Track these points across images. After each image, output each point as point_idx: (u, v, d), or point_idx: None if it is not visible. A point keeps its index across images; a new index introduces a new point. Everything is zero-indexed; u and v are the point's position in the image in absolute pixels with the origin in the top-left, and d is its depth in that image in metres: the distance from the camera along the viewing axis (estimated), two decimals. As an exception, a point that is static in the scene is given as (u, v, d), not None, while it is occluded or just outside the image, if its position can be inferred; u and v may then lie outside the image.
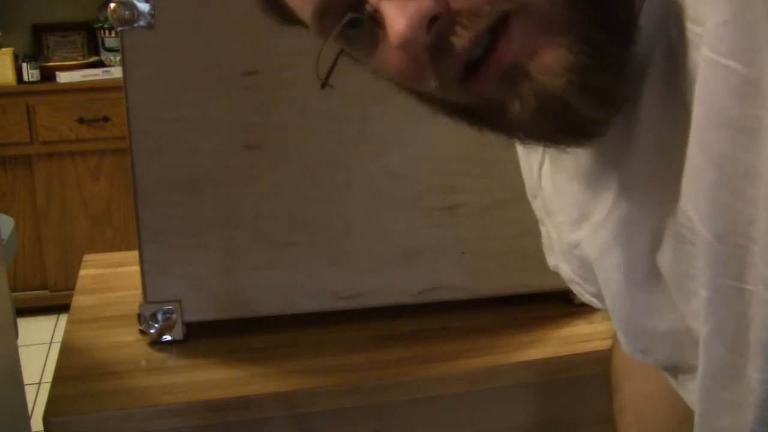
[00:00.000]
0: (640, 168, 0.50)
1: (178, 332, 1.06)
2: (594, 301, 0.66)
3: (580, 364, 1.04)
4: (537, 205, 0.71)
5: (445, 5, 0.44)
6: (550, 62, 0.44)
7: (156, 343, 1.06)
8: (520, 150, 0.69)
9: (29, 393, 1.99)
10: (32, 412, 2.08)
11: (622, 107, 0.46)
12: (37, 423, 1.00)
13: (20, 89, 2.81)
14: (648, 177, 0.50)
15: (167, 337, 1.06)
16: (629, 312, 0.57)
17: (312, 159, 1.05)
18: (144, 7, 0.95)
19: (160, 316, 1.05)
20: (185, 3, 0.97)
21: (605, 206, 0.54)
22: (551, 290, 1.18)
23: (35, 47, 3.08)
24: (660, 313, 0.54)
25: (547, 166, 0.65)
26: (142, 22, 0.95)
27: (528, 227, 1.14)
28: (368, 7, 0.47)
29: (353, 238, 1.08)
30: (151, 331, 1.05)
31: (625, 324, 0.59)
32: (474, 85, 0.47)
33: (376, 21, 0.47)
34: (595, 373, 1.07)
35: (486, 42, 0.44)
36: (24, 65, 2.85)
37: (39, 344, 2.76)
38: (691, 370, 0.55)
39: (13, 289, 2.81)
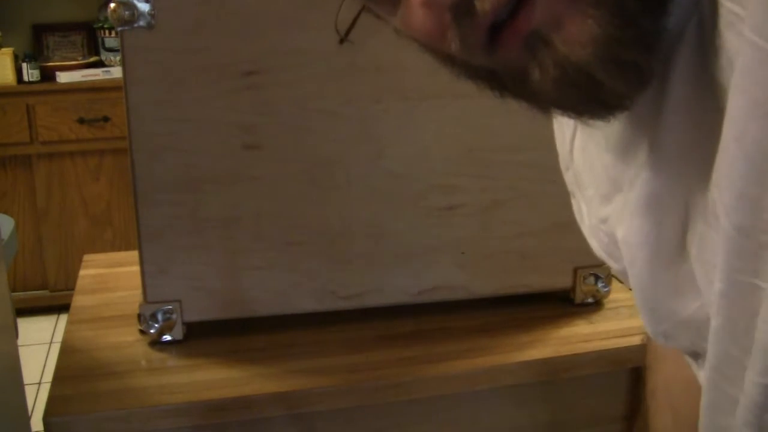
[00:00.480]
0: (669, 145, 0.49)
1: (178, 332, 1.06)
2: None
3: (580, 364, 1.04)
4: (569, 178, 0.69)
5: None
6: (575, 33, 0.42)
7: (156, 343, 1.06)
8: (556, 119, 0.68)
9: (29, 393, 1.99)
10: (32, 412, 2.08)
11: (650, 83, 0.45)
12: (37, 423, 1.00)
13: (20, 89, 2.81)
14: (678, 155, 0.49)
15: (167, 337, 1.06)
16: (653, 293, 0.55)
17: (312, 159, 1.05)
18: (144, 7, 0.95)
19: (160, 316, 1.05)
20: (185, 3, 0.97)
21: (635, 181, 0.53)
22: (551, 290, 1.18)
23: (35, 47, 3.08)
24: (685, 298, 0.53)
25: (579, 138, 0.63)
26: (142, 22, 0.95)
27: (528, 227, 1.15)
28: None
29: (353, 238, 1.08)
30: (151, 331, 1.05)
31: (648, 306, 0.57)
32: (496, 51, 0.45)
33: None
34: (595, 373, 1.07)
35: (511, 7, 0.43)
36: (24, 65, 2.85)
37: (39, 344, 2.76)
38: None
39: (13, 289, 2.81)
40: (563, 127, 0.67)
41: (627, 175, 0.54)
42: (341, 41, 0.53)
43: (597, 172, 0.60)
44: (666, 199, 0.51)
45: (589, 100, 0.45)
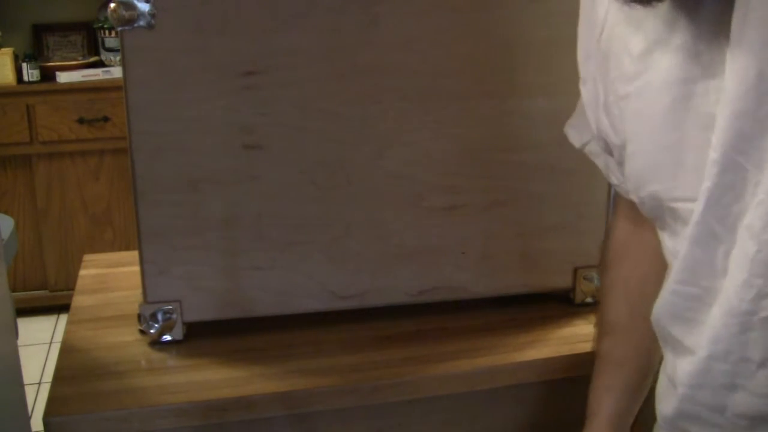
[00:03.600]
0: (706, 28, 0.62)
1: (178, 332, 1.06)
2: (613, 169, 0.81)
3: (580, 364, 1.04)
4: (588, 66, 0.80)
5: None
6: None
7: (156, 343, 1.06)
8: (584, 13, 0.80)
9: (29, 393, 1.99)
10: (32, 412, 2.08)
11: None
12: (37, 423, 1.00)
13: (20, 89, 2.81)
14: (712, 36, 0.62)
15: (167, 337, 1.06)
16: (652, 159, 0.70)
17: (312, 159, 1.05)
18: (144, 7, 0.95)
19: (160, 316, 1.05)
20: (185, 3, 0.97)
21: (662, 60, 0.67)
22: (551, 290, 1.18)
23: (35, 47, 3.07)
24: (677, 149, 0.68)
25: (608, 28, 0.74)
26: (142, 22, 0.95)
27: (528, 227, 1.15)
28: None
29: (353, 238, 1.08)
30: (151, 331, 1.05)
31: (642, 170, 0.72)
32: None
33: None
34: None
35: None
36: (24, 65, 2.85)
37: (39, 344, 2.76)
38: (678, 218, 0.69)
39: (13, 289, 2.81)
40: (591, 21, 0.78)
41: (656, 57, 0.68)
42: None
43: (624, 56, 0.72)
44: (693, 76, 0.64)
45: None
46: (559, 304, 1.18)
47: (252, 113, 1.01)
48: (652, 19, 0.68)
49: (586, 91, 0.81)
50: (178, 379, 0.99)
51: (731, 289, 0.63)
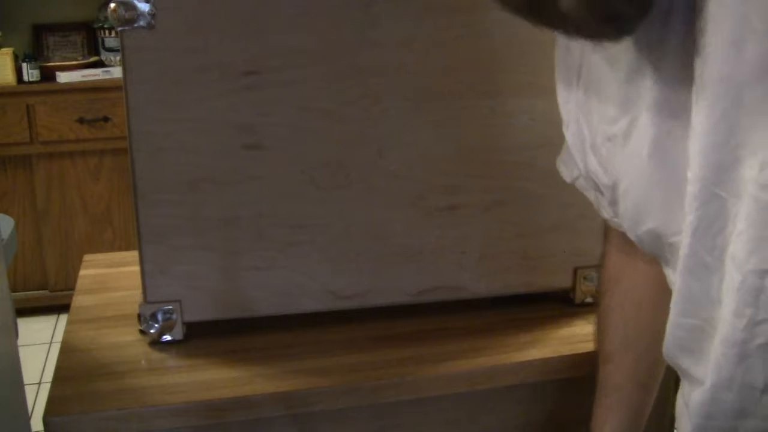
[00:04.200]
0: (671, 69, 0.65)
1: (178, 332, 1.06)
2: (604, 205, 0.81)
3: (580, 364, 1.04)
4: (569, 108, 0.81)
5: None
6: None
7: (156, 343, 1.06)
8: (560, 57, 0.80)
9: (29, 393, 1.99)
10: (32, 412, 2.08)
11: (651, 10, 0.58)
12: (37, 423, 1.00)
13: (20, 89, 2.81)
14: (678, 78, 0.64)
15: (167, 337, 1.06)
16: (643, 199, 0.72)
17: (312, 159, 1.05)
18: (144, 7, 0.95)
19: (160, 316, 1.05)
20: (185, 3, 0.97)
21: (640, 102, 0.68)
22: (551, 290, 1.18)
23: (35, 47, 3.08)
24: (668, 185, 0.69)
25: (586, 70, 0.76)
26: (142, 22, 0.95)
27: (528, 227, 1.15)
28: None
29: (353, 238, 1.08)
30: (151, 331, 1.05)
31: (634, 210, 0.73)
32: None
33: None
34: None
35: None
36: (24, 65, 2.85)
37: (39, 344, 2.76)
38: (677, 252, 0.70)
39: (13, 289, 2.81)
40: (568, 65, 0.79)
41: (633, 96, 0.69)
42: None
43: (603, 97, 0.73)
44: (670, 113, 0.66)
45: (604, 20, 0.58)
46: (559, 304, 1.18)
47: (252, 113, 1.01)
48: (624, 56, 0.69)
49: (570, 134, 0.82)
50: (178, 379, 0.99)
51: (726, 318, 0.64)
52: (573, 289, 1.17)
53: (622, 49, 0.68)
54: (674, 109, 0.66)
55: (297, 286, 1.08)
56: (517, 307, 1.17)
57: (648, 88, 0.68)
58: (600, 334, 0.93)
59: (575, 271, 1.16)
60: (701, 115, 0.61)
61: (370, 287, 1.10)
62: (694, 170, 0.63)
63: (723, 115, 0.59)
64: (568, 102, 0.81)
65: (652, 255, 0.76)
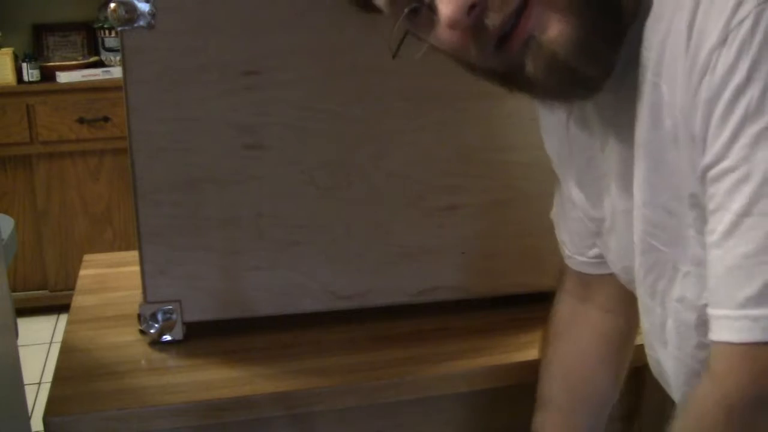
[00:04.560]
0: (618, 144, 0.70)
1: (178, 332, 1.06)
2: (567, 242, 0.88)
3: (580, 364, 1.04)
4: (560, 172, 0.85)
5: None
6: (555, 34, 0.59)
7: (156, 343, 1.06)
8: (547, 136, 0.85)
9: (29, 393, 1.99)
10: (32, 412, 2.07)
11: (611, 70, 0.63)
12: (37, 423, 1.00)
13: (20, 89, 2.80)
14: (624, 155, 0.68)
15: (167, 337, 1.06)
16: (623, 251, 0.75)
17: (312, 159, 1.05)
18: (144, 7, 0.95)
19: (160, 316, 1.05)
20: (185, 3, 0.97)
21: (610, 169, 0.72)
22: (551, 290, 1.18)
23: (35, 47, 3.07)
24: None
25: (567, 144, 0.80)
26: (142, 22, 0.95)
27: (528, 227, 1.14)
28: None
29: (353, 238, 1.08)
30: (151, 331, 1.05)
31: (616, 255, 0.78)
32: (504, 52, 0.62)
33: (431, 8, 0.62)
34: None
35: (513, 21, 0.60)
36: (24, 65, 2.85)
37: (39, 344, 2.76)
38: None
39: (13, 289, 2.80)
40: (553, 138, 0.83)
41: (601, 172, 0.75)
42: (393, 57, 0.70)
43: (585, 175, 0.79)
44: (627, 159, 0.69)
45: (567, 84, 0.62)
46: (559, 304, 1.18)
47: (252, 113, 1.01)
48: (560, 128, 0.78)
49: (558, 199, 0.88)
50: (178, 379, 0.99)
51: (688, 353, 0.68)
52: (573, 289, 1.16)
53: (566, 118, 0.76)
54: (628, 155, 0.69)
55: (297, 286, 1.08)
56: (517, 307, 1.17)
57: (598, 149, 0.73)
58: (540, 381, 0.95)
59: (575, 271, 1.15)
60: (635, 176, 0.66)
61: (370, 287, 1.10)
62: (634, 222, 0.69)
63: (647, 174, 0.65)
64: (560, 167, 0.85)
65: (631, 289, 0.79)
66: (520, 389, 1.07)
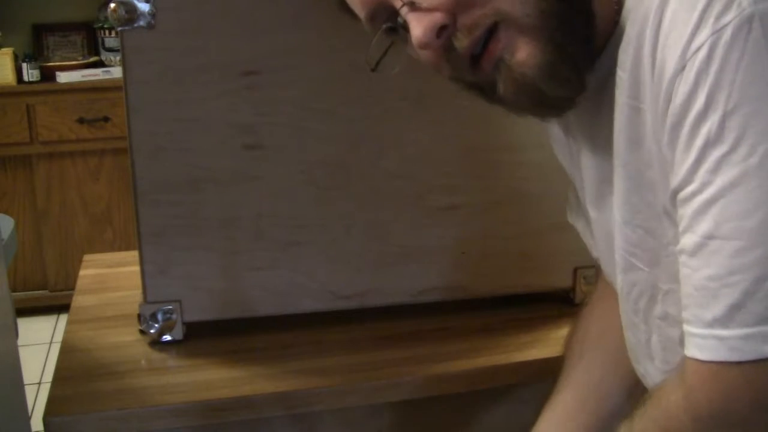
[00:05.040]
0: (599, 153, 0.71)
1: (178, 332, 1.06)
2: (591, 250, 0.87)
3: (580, 364, 1.04)
4: (562, 156, 0.86)
5: (452, 18, 0.62)
6: (524, 58, 0.62)
7: (156, 343, 1.06)
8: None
9: (29, 393, 1.99)
10: (32, 412, 2.07)
11: (582, 91, 0.65)
12: (37, 423, 1.00)
13: (20, 89, 2.80)
14: (603, 161, 0.70)
15: (167, 337, 1.06)
16: (606, 252, 0.77)
17: (312, 159, 1.05)
18: (144, 7, 0.95)
19: (160, 316, 1.05)
20: (185, 3, 0.97)
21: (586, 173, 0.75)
22: (551, 290, 1.18)
23: (35, 47, 3.07)
24: (606, 236, 0.76)
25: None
26: (142, 22, 0.95)
27: (528, 227, 1.14)
28: (400, 19, 0.65)
29: (353, 238, 1.08)
30: (151, 331, 1.05)
31: (603, 256, 0.79)
32: (477, 71, 0.65)
33: (405, 28, 0.65)
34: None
35: (483, 42, 0.62)
36: (24, 65, 2.85)
37: (39, 344, 2.76)
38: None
39: (13, 289, 2.80)
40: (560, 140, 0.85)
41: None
42: (372, 70, 0.72)
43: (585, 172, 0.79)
44: (604, 176, 0.71)
45: (538, 104, 0.65)
46: (559, 304, 1.18)
47: (252, 113, 1.01)
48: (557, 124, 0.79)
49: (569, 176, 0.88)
50: (178, 379, 0.99)
51: (668, 370, 0.69)
52: (573, 289, 1.17)
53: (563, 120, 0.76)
54: (605, 170, 0.70)
55: (297, 286, 1.08)
56: (517, 307, 1.17)
57: (588, 151, 0.74)
58: (571, 329, 0.95)
59: (575, 271, 1.16)
60: (616, 194, 0.68)
61: (370, 287, 1.10)
62: (616, 242, 0.70)
63: (627, 196, 0.66)
64: (560, 153, 0.87)
65: None
66: (521, 389, 1.07)
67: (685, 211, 0.57)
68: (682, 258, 0.59)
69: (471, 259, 1.12)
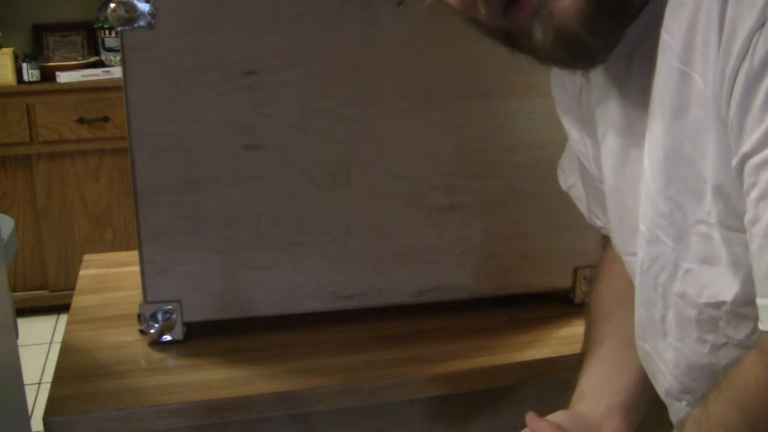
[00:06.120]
0: (630, 108, 0.68)
1: (178, 332, 1.06)
2: (593, 219, 0.87)
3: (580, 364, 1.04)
4: (569, 119, 0.84)
5: None
6: (567, 5, 0.60)
7: (156, 343, 1.06)
8: (556, 73, 0.83)
9: (29, 393, 1.99)
10: (32, 412, 2.08)
11: (615, 46, 0.63)
12: (37, 423, 1.00)
13: (20, 89, 2.80)
14: (636, 115, 0.68)
15: (167, 337, 1.06)
16: (617, 214, 0.76)
17: (312, 159, 1.05)
18: (144, 7, 0.95)
19: (160, 316, 1.05)
20: (185, 3, 0.97)
21: (608, 132, 0.73)
22: (551, 290, 1.18)
23: (35, 47, 3.07)
24: (621, 205, 0.74)
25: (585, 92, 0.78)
26: (142, 22, 0.95)
27: (528, 227, 1.15)
28: None
29: (353, 238, 1.08)
30: (151, 331, 1.05)
31: (615, 222, 0.77)
32: (513, 16, 0.62)
33: None
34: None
35: None
36: (24, 65, 2.85)
37: (39, 344, 2.76)
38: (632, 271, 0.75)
39: (13, 289, 2.80)
40: (565, 81, 0.82)
41: (596, 121, 0.75)
42: (399, 4, 0.72)
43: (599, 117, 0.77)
44: (630, 140, 0.69)
45: (575, 54, 0.63)
46: (559, 304, 1.18)
47: (252, 113, 1.01)
48: (587, 90, 0.76)
49: (571, 141, 0.86)
50: (177, 379, 0.99)
51: (690, 346, 0.68)
52: (573, 289, 1.17)
53: (589, 84, 0.75)
54: (630, 142, 0.69)
55: (297, 286, 1.08)
56: (517, 307, 1.17)
57: (609, 120, 0.72)
58: (592, 297, 0.94)
59: (575, 271, 1.16)
60: (649, 160, 0.65)
61: (370, 287, 1.10)
62: (642, 210, 0.68)
63: (663, 164, 0.63)
64: (567, 113, 0.84)
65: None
66: (521, 389, 1.07)
67: (758, 179, 0.54)
68: (757, 228, 0.55)
69: (471, 259, 1.12)
